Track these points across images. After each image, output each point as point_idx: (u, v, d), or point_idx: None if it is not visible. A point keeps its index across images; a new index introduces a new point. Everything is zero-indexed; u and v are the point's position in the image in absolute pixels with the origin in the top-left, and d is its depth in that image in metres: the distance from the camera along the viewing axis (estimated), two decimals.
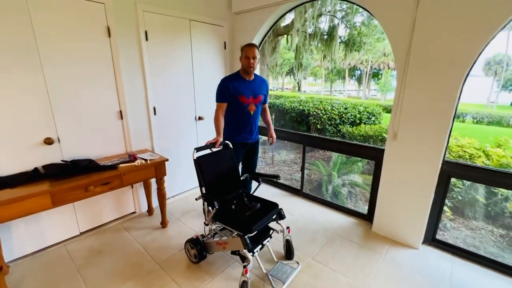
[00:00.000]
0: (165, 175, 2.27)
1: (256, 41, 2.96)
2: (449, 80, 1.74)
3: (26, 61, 1.74)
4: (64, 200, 1.71)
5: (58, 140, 1.96)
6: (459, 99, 1.78)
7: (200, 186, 1.76)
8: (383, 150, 2.19)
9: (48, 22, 1.79)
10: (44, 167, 1.85)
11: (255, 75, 2.13)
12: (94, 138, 2.13)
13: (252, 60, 1.96)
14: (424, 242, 2.12)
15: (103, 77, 2.13)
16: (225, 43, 3.04)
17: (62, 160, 1.95)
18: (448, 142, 1.89)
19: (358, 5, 2.13)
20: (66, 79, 1.93)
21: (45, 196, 1.61)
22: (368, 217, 2.46)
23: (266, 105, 2.32)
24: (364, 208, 2.82)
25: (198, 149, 1.79)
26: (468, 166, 1.91)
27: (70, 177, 1.76)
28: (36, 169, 1.83)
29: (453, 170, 1.92)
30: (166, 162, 2.24)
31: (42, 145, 1.89)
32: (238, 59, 3.36)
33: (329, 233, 2.29)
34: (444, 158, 1.90)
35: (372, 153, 2.36)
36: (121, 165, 1.98)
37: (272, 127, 2.39)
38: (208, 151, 1.90)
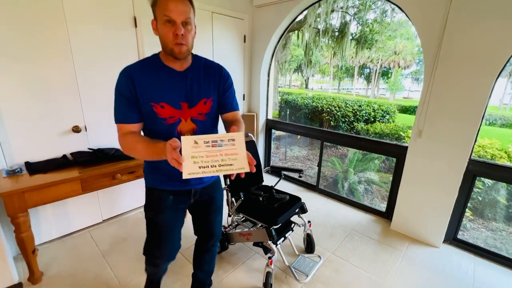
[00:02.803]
0: None
1: (276, 36, 2.94)
2: (481, 77, 1.70)
3: (58, 49, 1.76)
4: (93, 187, 1.74)
5: (85, 128, 1.99)
6: (490, 97, 1.75)
7: (224, 178, 1.78)
8: (405, 147, 2.17)
9: (79, 12, 1.81)
10: (72, 154, 1.89)
11: (197, 58, 1.05)
12: None
13: (181, 30, 0.88)
14: (445, 241, 2.11)
15: None
16: (244, 36, 3.03)
17: (88, 148, 1.98)
18: (475, 141, 1.86)
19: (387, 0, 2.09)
20: (94, 68, 1.96)
21: (76, 182, 1.64)
22: (386, 215, 2.45)
23: (237, 114, 1.12)
24: (381, 206, 2.81)
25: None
26: (497, 165, 1.89)
27: (98, 165, 1.79)
28: (65, 156, 1.87)
29: (479, 169, 1.89)
30: None
31: (70, 133, 1.92)
32: (258, 54, 3.28)
33: (348, 229, 2.30)
34: (470, 157, 1.88)
35: (394, 150, 2.34)
36: None
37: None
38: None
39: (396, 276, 1.77)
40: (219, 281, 1.68)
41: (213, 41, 2.70)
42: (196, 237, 1.37)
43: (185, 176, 0.69)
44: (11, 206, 1.41)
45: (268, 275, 1.57)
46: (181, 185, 1.10)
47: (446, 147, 1.91)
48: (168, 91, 0.96)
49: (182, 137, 0.72)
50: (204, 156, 0.72)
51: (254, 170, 0.74)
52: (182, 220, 1.20)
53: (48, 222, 1.97)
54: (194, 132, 1.05)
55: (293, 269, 1.72)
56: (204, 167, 0.71)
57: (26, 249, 1.52)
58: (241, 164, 0.73)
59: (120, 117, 0.95)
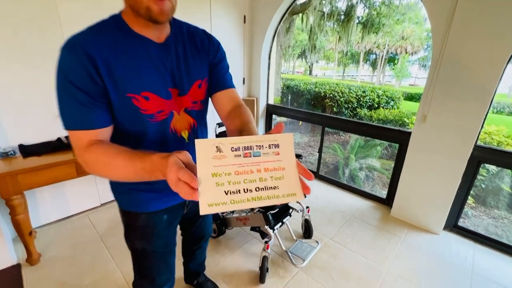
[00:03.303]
0: None
1: (277, 16, 2.81)
2: (491, 61, 1.61)
3: (50, 26, 1.69)
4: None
5: None
6: (499, 82, 1.66)
7: None
8: (408, 133, 2.11)
9: None
10: (67, 137, 1.85)
11: (176, 24, 0.74)
12: None
13: None
14: (445, 228, 2.09)
15: None
16: (244, 16, 2.90)
17: None
18: (482, 127, 1.79)
19: None
20: None
21: (70, 166, 1.62)
22: (386, 201, 2.42)
23: (236, 94, 0.84)
24: (381, 193, 2.78)
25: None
26: (503, 151, 1.82)
27: None
28: (59, 139, 1.84)
29: (485, 155, 1.83)
30: None
31: None
32: (258, 35, 3.14)
33: (347, 215, 2.28)
34: (476, 143, 1.82)
35: (396, 136, 2.28)
36: None
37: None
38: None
39: (394, 261, 1.76)
40: (216, 265, 1.68)
41: (211, 21, 2.59)
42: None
43: (204, 210, 0.42)
44: (4, 188, 1.40)
45: (264, 259, 1.56)
46: (176, 198, 0.84)
47: (451, 133, 1.84)
48: (151, 74, 0.65)
49: (196, 141, 0.44)
50: (232, 173, 0.45)
51: (309, 192, 0.49)
52: (176, 235, 0.99)
53: (46, 205, 1.97)
54: (192, 129, 0.79)
55: (290, 254, 1.72)
56: (234, 192, 0.44)
57: (22, 231, 1.52)
58: (290, 187, 0.47)
59: (77, 120, 0.59)
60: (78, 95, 0.57)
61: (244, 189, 0.45)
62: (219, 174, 0.45)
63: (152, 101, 0.67)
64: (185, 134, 0.78)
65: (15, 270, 1.59)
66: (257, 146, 0.48)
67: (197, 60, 0.75)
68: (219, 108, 0.81)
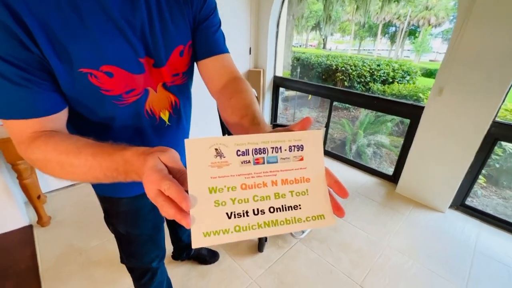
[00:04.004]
0: None
1: None
2: None
3: None
4: None
5: None
6: None
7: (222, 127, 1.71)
8: (421, 108, 1.98)
9: None
10: None
11: None
12: None
13: None
14: (451, 206, 2.04)
15: None
16: None
17: None
18: (503, 102, 1.65)
19: None
20: None
21: None
22: (393, 178, 2.37)
23: (230, 61, 0.64)
24: (388, 170, 2.71)
25: None
26: None
27: None
28: None
29: (503, 132, 1.71)
30: None
31: None
32: (265, 10, 2.90)
33: (350, 190, 2.25)
34: (495, 119, 1.69)
35: (408, 110, 2.15)
36: None
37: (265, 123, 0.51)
38: None
39: (395, 237, 1.75)
40: None
41: None
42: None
43: (197, 242, 0.31)
44: (8, 153, 1.43)
45: None
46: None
47: (468, 107, 1.72)
48: (112, 39, 0.48)
49: (187, 141, 0.32)
50: (238, 188, 0.34)
51: (343, 215, 0.37)
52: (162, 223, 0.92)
53: None
54: (173, 108, 0.64)
55: None
56: (239, 214, 0.33)
57: (30, 195, 1.58)
58: (317, 207, 0.36)
59: (12, 106, 0.44)
60: (6, 70, 0.41)
61: (254, 210, 0.33)
62: (220, 189, 0.33)
63: (117, 78, 0.50)
64: (165, 116, 0.63)
65: (27, 230, 1.68)
66: (273, 148, 0.35)
67: (177, 17, 0.55)
68: (208, 80, 0.63)
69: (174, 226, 1.15)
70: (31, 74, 0.43)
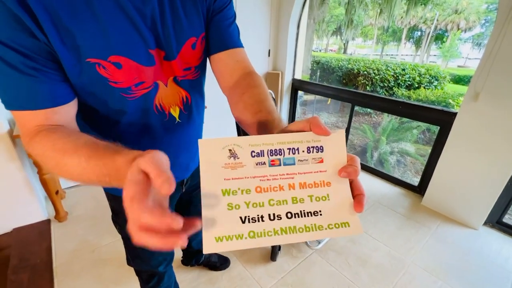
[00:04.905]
0: None
1: None
2: None
3: None
4: None
5: None
6: None
7: (238, 129, 1.66)
8: (453, 114, 1.83)
9: None
10: None
11: None
12: None
13: None
14: (486, 223, 1.85)
15: None
16: None
17: None
18: None
19: None
20: None
21: None
22: (418, 189, 2.20)
23: (245, 56, 0.60)
24: (413, 180, 2.54)
25: None
26: None
27: None
28: None
29: None
30: None
31: None
32: (286, 12, 2.86)
33: (371, 200, 2.12)
34: None
35: (438, 117, 2.00)
36: None
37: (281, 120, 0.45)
38: None
39: (421, 253, 1.60)
40: None
41: None
42: None
43: (209, 247, 0.29)
44: None
45: None
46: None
47: (508, 115, 1.55)
48: (122, 29, 0.45)
49: (200, 141, 0.31)
50: (252, 191, 0.32)
51: (362, 209, 0.33)
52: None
53: None
54: (184, 104, 0.61)
55: None
56: (254, 219, 0.31)
57: (49, 189, 1.62)
58: (340, 214, 0.33)
59: (20, 96, 0.42)
60: (11, 58, 0.38)
61: (270, 215, 0.31)
62: (233, 192, 0.31)
63: (126, 69, 0.47)
64: (175, 112, 0.60)
65: (45, 225, 1.72)
66: (289, 149, 0.33)
67: (189, 7, 0.52)
68: (220, 75, 0.59)
69: None
70: (36, 62, 0.40)
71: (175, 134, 0.63)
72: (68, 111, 0.46)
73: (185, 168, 0.74)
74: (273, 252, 1.50)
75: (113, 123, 0.54)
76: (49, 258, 1.48)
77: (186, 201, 0.88)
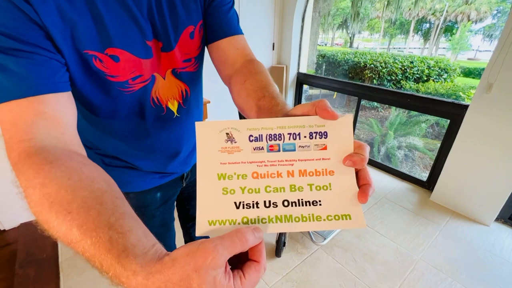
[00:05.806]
0: None
1: None
2: None
3: None
4: None
5: None
6: None
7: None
8: (464, 106, 1.77)
9: None
10: None
11: None
12: None
13: None
14: (497, 219, 1.79)
15: None
16: None
17: None
18: None
19: None
20: None
21: None
22: (427, 185, 2.15)
23: (245, 44, 0.57)
24: (421, 175, 2.48)
25: None
26: None
27: None
28: None
29: None
30: None
31: None
32: (290, 4, 2.83)
33: (378, 195, 2.07)
34: None
35: (448, 110, 1.93)
36: None
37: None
38: None
39: (429, 250, 1.56)
40: None
41: None
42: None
43: (201, 229, 0.30)
44: None
45: (281, 235, 1.48)
46: (171, 173, 0.69)
47: None
48: (119, 20, 0.43)
49: (197, 124, 0.31)
50: (248, 176, 0.31)
51: (366, 200, 0.30)
52: (173, 210, 0.81)
53: None
54: (183, 98, 0.58)
55: (310, 231, 1.62)
56: (249, 205, 0.30)
57: None
58: (342, 205, 0.30)
59: (13, 83, 0.35)
60: (12, 46, 0.34)
61: (265, 202, 0.30)
62: (229, 176, 0.30)
63: (123, 62, 0.45)
64: (173, 106, 0.57)
65: None
66: (290, 134, 0.31)
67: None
68: (219, 64, 0.56)
69: (187, 226, 1.10)
70: (36, 53, 0.36)
71: (173, 131, 0.61)
72: (59, 102, 0.38)
73: (185, 161, 0.72)
74: (278, 248, 1.48)
75: (109, 116, 0.52)
76: (55, 253, 1.50)
77: (187, 196, 0.85)
